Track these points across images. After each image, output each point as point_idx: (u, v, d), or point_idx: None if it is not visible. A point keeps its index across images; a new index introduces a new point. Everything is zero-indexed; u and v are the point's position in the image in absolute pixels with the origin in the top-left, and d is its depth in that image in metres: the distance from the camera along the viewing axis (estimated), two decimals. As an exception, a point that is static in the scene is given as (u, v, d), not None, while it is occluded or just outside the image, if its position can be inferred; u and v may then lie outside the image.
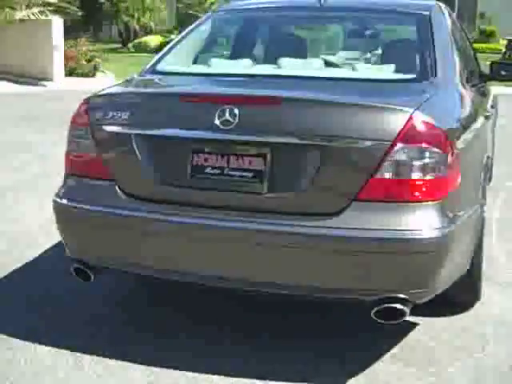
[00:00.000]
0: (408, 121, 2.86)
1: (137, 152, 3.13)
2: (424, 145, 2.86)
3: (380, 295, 2.90)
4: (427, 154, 2.87)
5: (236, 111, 2.95)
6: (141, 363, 3.18)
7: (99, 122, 3.22)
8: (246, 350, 3.32)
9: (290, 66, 3.76)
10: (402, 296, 2.90)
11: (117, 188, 3.20)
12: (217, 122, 2.98)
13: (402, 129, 2.84)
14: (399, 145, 2.84)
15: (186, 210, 3.07)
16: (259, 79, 3.54)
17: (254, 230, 2.96)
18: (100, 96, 3.44)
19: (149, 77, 3.74)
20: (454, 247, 2.96)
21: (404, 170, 2.86)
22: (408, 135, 2.85)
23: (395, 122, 2.87)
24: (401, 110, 2.92)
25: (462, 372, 3.17)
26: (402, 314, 2.92)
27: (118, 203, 3.18)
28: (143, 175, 3.14)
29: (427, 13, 3.95)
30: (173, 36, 22.93)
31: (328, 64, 3.89)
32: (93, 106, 3.29)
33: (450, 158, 2.91)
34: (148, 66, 3.88)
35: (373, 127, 2.88)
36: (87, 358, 3.23)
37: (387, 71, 3.57)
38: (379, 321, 2.98)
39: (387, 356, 3.30)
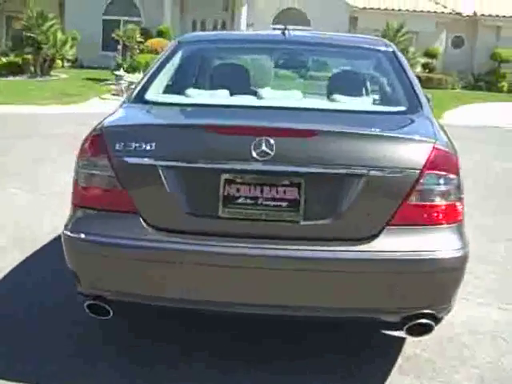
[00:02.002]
0: (432, 151, 3.12)
1: (164, 183, 3.12)
2: (445, 172, 3.14)
3: (412, 312, 3.12)
4: (448, 181, 3.14)
5: (273, 143, 3.06)
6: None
7: (120, 154, 3.17)
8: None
9: (281, 97, 3.91)
10: (430, 312, 3.14)
11: (141, 220, 3.16)
12: (253, 153, 3.06)
13: (428, 158, 3.10)
14: (426, 172, 3.09)
15: (218, 241, 3.10)
16: (268, 110, 3.63)
17: (292, 257, 3.07)
18: (118, 126, 3.38)
19: (148, 107, 3.71)
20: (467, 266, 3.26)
21: (431, 196, 3.12)
22: (434, 163, 3.11)
23: (422, 151, 3.12)
24: (425, 140, 3.18)
25: (468, 379, 3.47)
26: (430, 328, 3.16)
27: (144, 236, 3.14)
28: (171, 207, 3.14)
29: (391, 49, 4.28)
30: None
31: (311, 96, 4.08)
32: (111, 137, 3.23)
33: (460, 183, 3.22)
34: (133, 96, 3.85)
35: (402, 157, 3.11)
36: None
37: (378, 104, 3.83)
38: (410, 336, 3.21)
39: (395, 370, 3.53)
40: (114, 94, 18.81)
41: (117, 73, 19.58)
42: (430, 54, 26.58)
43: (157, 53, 22.72)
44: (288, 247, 3.08)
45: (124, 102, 3.84)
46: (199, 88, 4.21)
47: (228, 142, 3.13)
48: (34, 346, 3.61)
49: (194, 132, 3.23)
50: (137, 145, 3.15)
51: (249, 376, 3.40)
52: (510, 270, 5.26)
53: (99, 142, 3.25)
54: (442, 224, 3.14)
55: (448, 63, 27.72)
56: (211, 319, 3.75)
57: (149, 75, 4.03)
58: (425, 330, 3.17)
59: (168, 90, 4.06)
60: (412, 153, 3.13)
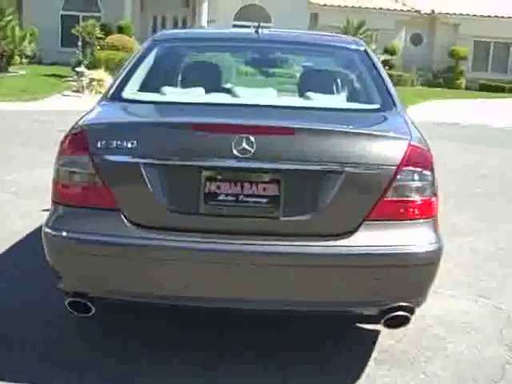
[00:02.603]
0: (407, 147, 3.21)
1: (146, 181, 3.14)
2: (420, 168, 3.23)
3: (390, 305, 3.20)
4: (423, 177, 3.23)
5: (253, 140, 3.11)
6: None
7: (101, 152, 3.18)
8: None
9: (256, 95, 3.97)
10: (406, 304, 3.23)
11: (122, 217, 3.19)
12: (234, 150, 3.10)
13: (404, 155, 3.19)
14: (402, 169, 3.17)
15: (199, 237, 3.15)
16: (246, 108, 3.67)
17: (272, 252, 3.12)
18: (98, 124, 3.39)
19: (127, 105, 3.73)
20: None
21: (407, 192, 3.20)
22: (409, 160, 3.19)
23: (397, 148, 3.21)
24: (401, 137, 3.27)
25: (442, 367, 3.58)
26: (407, 320, 3.25)
27: (125, 232, 3.16)
28: (152, 204, 3.16)
29: (363, 48, 4.37)
30: None
31: (285, 94, 4.14)
32: (91, 135, 3.24)
33: (435, 179, 3.31)
34: (110, 94, 3.86)
35: (379, 154, 3.19)
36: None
37: (352, 101, 3.91)
38: (388, 329, 3.30)
39: (371, 361, 3.62)
40: (74, 91, 18.66)
41: (78, 69, 19.41)
42: (389, 51, 26.94)
43: (117, 49, 22.61)
44: (268, 243, 3.13)
45: (101, 100, 3.85)
46: (175, 86, 4.24)
47: (209, 140, 3.17)
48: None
49: (176, 130, 3.26)
50: (118, 142, 3.17)
51: (227, 370, 3.45)
52: (479, 263, 5.41)
53: (79, 139, 3.26)
54: (417, 219, 3.23)
55: (407, 60, 28.15)
56: (192, 315, 3.78)
57: (125, 73, 4.04)
58: (402, 321, 3.25)
59: (144, 88, 4.06)
60: (388, 150, 3.22)
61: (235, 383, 3.35)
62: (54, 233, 3.24)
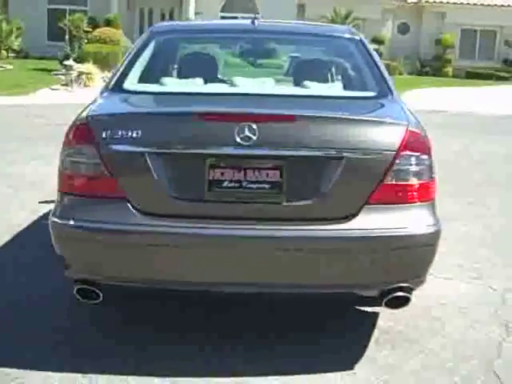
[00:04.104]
0: (405, 133, 3.30)
1: (151, 170, 3.22)
2: (418, 152, 3.32)
3: (390, 286, 3.30)
4: (421, 161, 3.32)
5: (255, 128, 3.19)
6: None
7: (107, 142, 3.25)
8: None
9: (255, 85, 4.05)
10: (407, 285, 3.33)
11: (129, 205, 3.26)
12: (237, 138, 3.18)
13: (402, 140, 3.28)
14: (401, 154, 3.26)
15: (204, 223, 3.23)
16: (248, 97, 3.75)
17: (275, 237, 3.21)
18: (103, 115, 3.45)
19: (129, 96, 3.80)
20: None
21: (406, 176, 3.29)
22: (408, 145, 3.28)
23: (396, 134, 3.30)
24: (399, 123, 3.37)
25: (441, 348, 3.68)
26: (407, 301, 3.34)
27: (132, 220, 3.24)
28: (158, 192, 3.24)
29: (358, 37, 4.45)
30: None
31: (284, 83, 4.22)
32: (97, 126, 3.31)
33: (432, 163, 3.40)
34: (111, 85, 3.92)
35: (378, 139, 3.28)
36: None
37: (350, 89, 3.99)
38: (389, 309, 3.40)
39: (372, 342, 3.71)
40: (63, 85, 18.62)
41: (66, 63, 19.34)
42: (377, 41, 27.05)
43: (105, 42, 22.60)
44: (271, 227, 3.22)
45: (103, 92, 3.91)
46: (174, 77, 4.30)
47: (212, 128, 3.25)
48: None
49: (180, 119, 3.34)
50: (123, 132, 3.24)
51: (231, 351, 3.54)
52: (473, 245, 5.52)
53: (85, 130, 3.33)
54: (416, 202, 3.32)
55: (395, 49, 28.29)
56: (200, 300, 3.86)
57: (125, 65, 4.10)
58: (402, 302, 3.35)
59: (144, 79, 4.13)
60: (387, 135, 3.31)
61: (240, 363, 3.43)
62: (62, 222, 3.31)
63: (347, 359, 3.52)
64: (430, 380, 3.36)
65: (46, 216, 5.82)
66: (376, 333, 3.82)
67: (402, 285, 3.32)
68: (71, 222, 3.27)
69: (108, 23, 24.46)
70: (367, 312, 4.01)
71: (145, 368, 3.35)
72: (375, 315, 3.98)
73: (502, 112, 16.72)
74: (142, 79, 4.13)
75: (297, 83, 4.22)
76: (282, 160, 3.24)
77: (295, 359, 3.50)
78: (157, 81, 4.12)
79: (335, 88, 4.10)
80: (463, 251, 5.36)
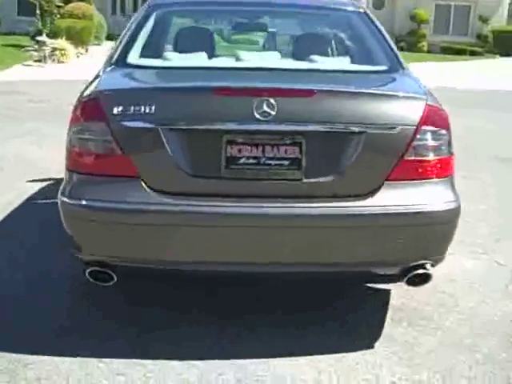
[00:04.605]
0: (425, 107, 3.23)
1: (166, 146, 3.10)
2: (438, 127, 3.25)
3: (412, 263, 3.24)
4: (441, 136, 3.26)
5: (273, 103, 3.08)
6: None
7: (119, 118, 3.12)
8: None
9: (262, 59, 3.95)
10: (429, 262, 3.27)
11: (142, 184, 3.14)
12: (255, 113, 3.08)
13: (422, 114, 3.20)
14: (421, 128, 3.19)
15: (221, 201, 3.13)
16: (262, 72, 3.63)
17: (295, 214, 3.13)
18: (113, 90, 3.31)
19: (132, 70, 3.66)
20: None
21: (426, 151, 3.22)
22: (428, 120, 3.21)
23: (416, 108, 3.22)
24: (418, 97, 3.29)
25: (458, 324, 3.65)
26: (429, 277, 3.29)
27: (146, 199, 3.12)
28: (173, 169, 3.13)
29: (362, 10, 4.35)
30: None
31: (291, 57, 4.11)
32: (108, 101, 3.17)
33: (451, 138, 3.34)
34: (114, 59, 3.77)
35: (398, 114, 3.20)
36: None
37: (361, 63, 3.90)
38: (411, 287, 3.35)
39: (388, 320, 3.67)
40: (36, 61, 18.25)
41: (39, 38, 18.94)
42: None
43: (78, 17, 22.16)
44: (291, 205, 3.13)
45: (106, 66, 3.76)
46: (176, 51, 4.13)
47: (230, 103, 3.13)
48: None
49: (196, 94, 3.21)
50: (136, 108, 3.11)
51: (247, 333, 3.47)
52: (473, 221, 5.50)
53: (95, 106, 3.19)
54: (436, 178, 3.25)
55: (369, 24, 28.12)
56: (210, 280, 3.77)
57: (126, 39, 3.95)
58: (423, 279, 3.29)
59: (146, 53, 3.98)
60: (407, 110, 3.23)
61: (260, 344, 3.36)
62: (72, 201, 3.18)
63: (366, 337, 3.47)
64: (452, 357, 3.31)
65: (36, 196, 5.72)
66: (390, 310, 3.77)
67: (423, 262, 3.26)
68: (83, 202, 3.14)
69: (80, -2, 23.97)
70: (377, 289, 3.96)
71: (160, 350, 3.27)
72: (386, 292, 3.94)
73: (482, 87, 16.78)
74: (144, 53, 3.98)
75: (303, 57, 4.10)
76: (301, 136, 3.14)
77: (315, 339, 3.43)
78: (159, 55, 3.98)
79: (344, 62, 3.99)
80: (462, 226, 5.32)
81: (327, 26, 4.97)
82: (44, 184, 6.05)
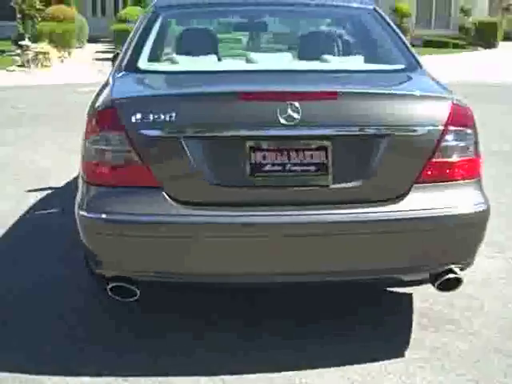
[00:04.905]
0: (451, 107, 3.14)
1: (187, 155, 2.99)
2: (465, 127, 3.17)
3: (442, 268, 3.15)
4: (468, 136, 3.18)
5: (298, 107, 2.99)
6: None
7: (138, 127, 3.00)
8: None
9: (275, 60, 3.85)
10: (459, 266, 3.19)
11: (165, 195, 3.03)
12: (280, 118, 2.98)
13: (449, 115, 3.12)
14: (449, 129, 3.11)
15: (247, 211, 3.03)
16: (281, 74, 3.53)
17: (325, 222, 3.03)
18: (130, 98, 3.19)
19: (145, 75, 3.54)
20: None
21: (454, 152, 3.14)
22: (455, 120, 3.13)
23: (443, 108, 3.14)
24: (444, 97, 3.21)
25: (485, 326, 3.57)
26: (460, 282, 3.20)
27: (170, 211, 3.01)
28: (196, 179, 3.02)
29: (371, 6, 4.26)
30: None
31: (303, 58, 4.01)
32: (125, 110, 3.05)
33: (478, 138, 3.26)
34: (125, 65, 3.65)
35: (425, 115, 3.12)
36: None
37: (377, 63, 3.81)
38: (442, 292, 3.27)
39: (415, 325, 3.58)
40: (19, 66, 17.96)
41: (22, 43, 18.60)
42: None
43: (59, 20, 21.86)
44: (319, 212, 3.04)
45: (116, 72, 3.64)
46: (181, 54, 4.00)
47: (253, 109, 3.03)
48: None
49: (218, 100, 3.11)
50: (155, 116, 3.01)
51: (269, 340, 3.39)
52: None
53: (112, 115, 3.07)
54: (465, 179, 3.18)
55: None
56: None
57: (135, 43, 3.83)
58: (455, 284, 3.21)
59: (154, 57, 3.89)
60: (433, 110, 3.15)
61: (286, 354, 3.27)
62: (92, 216, 3.06)
63: (394, 344, 3.39)
64: (485, 363, 3.23)
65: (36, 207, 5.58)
66: (415, 315, 3.69)
67: (453, 266, 3.18)
68: (103, 216, 3.02)
69: (60, 0, 23.64)
70: (400, 294, 3.88)
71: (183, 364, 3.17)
72: (408, 297, 3.85)
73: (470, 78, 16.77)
74: (152, 58, 3.88)
75: (314, 58, 4.00)
76: (327, 140, 3.05)
77: (342, 348, 3.34)
78: (167, 59, 3.87)
79: (358, 62, 3.89)
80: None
81: (340, 24, 4.86)
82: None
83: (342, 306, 3.79)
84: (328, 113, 3.05)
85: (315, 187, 3.06)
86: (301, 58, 4.02)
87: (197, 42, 4.29)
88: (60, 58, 19.60)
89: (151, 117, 3.00)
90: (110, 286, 3.12)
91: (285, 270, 3.09)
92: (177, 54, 4.04)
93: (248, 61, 3.89)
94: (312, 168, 3.05)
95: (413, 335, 3.48)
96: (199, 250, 3.04)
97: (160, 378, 3.07)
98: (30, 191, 5.95)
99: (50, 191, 5.99)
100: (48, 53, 18.25)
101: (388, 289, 3.91)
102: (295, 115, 2.98)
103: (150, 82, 3.54)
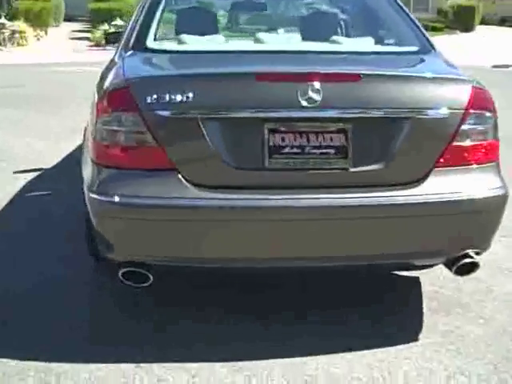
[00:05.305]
0: (472, 90, 3.10)
1: (205, 136, 2.92)
2: (485, 110, 3.14)
3: (460, 252, 3.12)
4: (488, 119, 3.15)
5: (319, 89, 2.92)
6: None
7: (153, 107, 2.92)
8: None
9: (288, 41, 3.79)
10: (476, 250, 3.16)
11: (180, 177, 2.95)
12: (301, 100, 2.91)
13: (470, 98, 3.08)
14: (470, 112, 3.07)
15: (266, 193, 2.96)
16: (298, 55, 3.46)
17: (344, 205, 2.98)
18: (145, 78, 3.10)
19: (156, 55, 3.45)
20: None
21: (474, 135, 3.11)
22: (475, 103, 3.09)
23: (463, 91, 3.11)
24: (464, 80, 3.17)
25: (497, 311, 3.56)
26: (477, 266, 3.18)
27: (186, 194, 2.94)
28: (213, 161, 2.94)
29: None
30: None
31: (313, 38, 3.94)
32: (139, 90, 2.96)
33: (497, 121, 3.22)
34: (132, 44, 3.54)
35: (446, 98, 3.08)
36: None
37: (392, 44, 3.76)
38: (459, 276, 3.24)
39: (426, 310, 3.55)
40: (-5, 44, 17.63)
41: (-3, 21, 18.26)
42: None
43: (36, -1, 21.43)
44: (338, 195, 2.98)
45: (123, 51, 3.53)
46: (192, 34, 3.89)
47: (272, 90, 2.97)
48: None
49: (237, 80, 3.04)
50: (171, 97, 2.92)
51: (282, 328, 3.34)
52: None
53: (125, 95, 2.97)
54: (485, 163, 3.15)
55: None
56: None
57: (140, 22, 3.72)
58: (471, 268, 3.18)
59: (161, 36, 3.79)
60: (455, 93, 3.12)
61: (301, 344, 3.21)
62: (104, 199, 2.97)
63: (407, 329, 3.36)
64: (500, 346, 3.22)
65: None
66: (425, 299, 3.66)
67: (470, 251, 3.15)
68: (116, 199, 2.93)
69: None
70: (407, 278, 3.85)
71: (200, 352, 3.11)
72: (414, 280, 3.82)
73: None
74: (159, 36, 3.78)
75: (325, 39, 3.93)
76: (347, 122, 3.00)
77: (356, 334, 3.30)
78: (174, 38, 3.77)
79: (370, 43, 3.81)
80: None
81: (348, 5, 4.76)
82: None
83: (347, 294, 3.73)
84: (349, 95, 2.99)
85: (334, 170, 3.01)
86: (309, 38, 3.93)
87: (200, 21, 4.20)
88: (36, 36, 19.29)
89: (167, 97, 2.91)
90: (121, 272, 3.04)
91: (304, 255, 3.04)
92: (182, 33, 3.93)
93: (257, 41, 3.81)
94: (331, 151, 3.00)
95: (425, 320, 3.45)
96: (216, 233, 2.98)
97: (175, 364, 3.01)
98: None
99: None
100: (24, 31, 17.96)
101: (396, 273, 3.88)
102: (316, 97, 2.92)
103: (163, 61, 3.45)
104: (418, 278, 3.85)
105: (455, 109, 3.05)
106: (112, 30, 20.10)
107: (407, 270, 3.72)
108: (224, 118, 2.95)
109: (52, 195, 5.29)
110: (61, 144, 6.98)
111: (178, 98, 2.91)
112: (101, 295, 3.69)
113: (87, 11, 22.02)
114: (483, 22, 28.75)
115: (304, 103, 2.92)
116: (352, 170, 3.00)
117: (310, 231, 2.98)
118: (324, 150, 2.99)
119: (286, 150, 2.97)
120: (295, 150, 2.98)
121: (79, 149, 6.61)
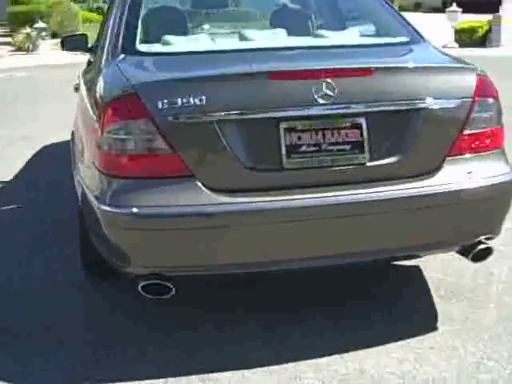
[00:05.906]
0: (477, 78, 3.14)
1: (221, 139, 2.83)
2: (490, 97, 3.18)
3: (475, 239, 3.15)
4: (493, 106, 3.19)
5: (333, 85, 2.89)
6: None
7: (164, 113, 2.80)
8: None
9: (274, 37, 3.71)
10: (489, 236, 3.19)
11: (198, 183, 2.85)
12: (316, 97, 2.87)
13: (476, 86, 3.11)
14: (477, 99, 3.10)
15: (286, 194, 2.90)
16: (308, 51, 3.43)
17: (365, 201, 2.95)
18: (154, 83, 2.97)
19: (152, 58, 3.33)
20: None
21: (482, 123, 3.14)
22: (481, 90, 3.13)
23: (469, 80, 3.14)
24: (469, 68, 3.20)
25: (503, 293, 3.60)
26: (491, 251, 3.21)
27: (205, 200, 2.84)
28: (230, 164, 2.86)
29: None
30: None
31: (299, 34, 3.88)
32: (149, 96, 2.84)
33: (501, 108, 3.26)
34: (120, 48, 3.40)
35: (455, 87, 3.11)
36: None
37: (381, 36, 3.75)
38: (474, 262, 3.26)
39: (436, 297, 3.57)
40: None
41: None
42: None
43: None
44: (359, 191, 2.95)
45: (113, 55, 3.38)
46: (174, 35, 3.74)
47: (286, 88, 2.90)
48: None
49: (248, 80, 2.95)
50: (183, 101, 2.82)
51: (288, 326, 3.30)
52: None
53: (134, 102, 2.85)
54: (492, 149, 3.19)
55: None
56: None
57: (124, 24, 3.56)
58: (486, 254, 3.21)
59: (146, 38, 3.65)
60: (462, 81, 3.15)
61: (302, 341, 3.19)
62: (119, 211, 2.84)
63: (423, 319, 3.36)
64: (518, 330, 3.27)
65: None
66: (432, 288, 3.68)
67: (483, 237, 3.17)
68: (133, 210, 2.81)
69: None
70: (408, 267, 3.86)
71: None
72: (417, 269, 3.84)
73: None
74: (144, 39, 3.65)
75: (309, 33, 3.89)
76: (362, 117, 2.97)
77: (376, 329, 3.29)
78: (156, 39, 3.63)
79: (357, 36, 3.77)
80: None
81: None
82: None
83: (352, 289, 3.71)
84: (362, 89, 2.97)
85: (352, 166, 2.97)
86: (296, 34, 3.86)
87: (171, 21, 4.06)
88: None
89: (179, 101, 2.81)
90: (141, 285, 2.91)
91: (329, 253, 3.00)
92: (158, 33, 3.75)
93: (243, 38, 3.72)
94: (348, 146, 2.96)
95: (438, 308, 3.46)
96: (241, 238, 2.89)
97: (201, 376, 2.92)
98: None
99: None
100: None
101: (396, 263, 3.88)
102: (330, 93, 2.88)
103: (164, 64, 3.33)
104: (418, 266, 3.87)
105: (464, 97, 3.08)
106: (42, 33, 19.57)
107: (413, 258, 3.72)
108: (240, 119, 2.86)
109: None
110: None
111: (191, 101, 2.81)
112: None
113: (5, 15, 21.29)
114: (401, 9, 29.38)
115: (320, 100, 2.87)
116: (369, 164, 2.98)
117: (335, 229, 2.94)
118: (340, 147, 2.95)
119: (303, 148, 2.92)
120: (312, 149, 2.93)
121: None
